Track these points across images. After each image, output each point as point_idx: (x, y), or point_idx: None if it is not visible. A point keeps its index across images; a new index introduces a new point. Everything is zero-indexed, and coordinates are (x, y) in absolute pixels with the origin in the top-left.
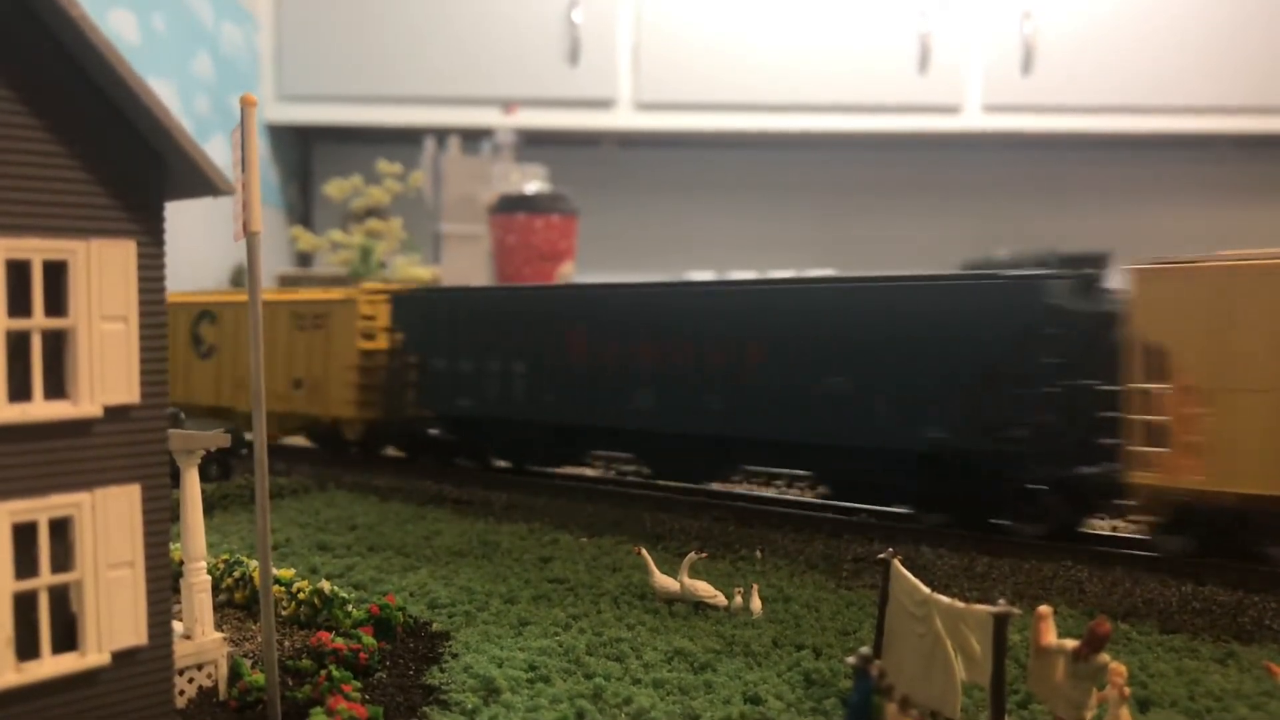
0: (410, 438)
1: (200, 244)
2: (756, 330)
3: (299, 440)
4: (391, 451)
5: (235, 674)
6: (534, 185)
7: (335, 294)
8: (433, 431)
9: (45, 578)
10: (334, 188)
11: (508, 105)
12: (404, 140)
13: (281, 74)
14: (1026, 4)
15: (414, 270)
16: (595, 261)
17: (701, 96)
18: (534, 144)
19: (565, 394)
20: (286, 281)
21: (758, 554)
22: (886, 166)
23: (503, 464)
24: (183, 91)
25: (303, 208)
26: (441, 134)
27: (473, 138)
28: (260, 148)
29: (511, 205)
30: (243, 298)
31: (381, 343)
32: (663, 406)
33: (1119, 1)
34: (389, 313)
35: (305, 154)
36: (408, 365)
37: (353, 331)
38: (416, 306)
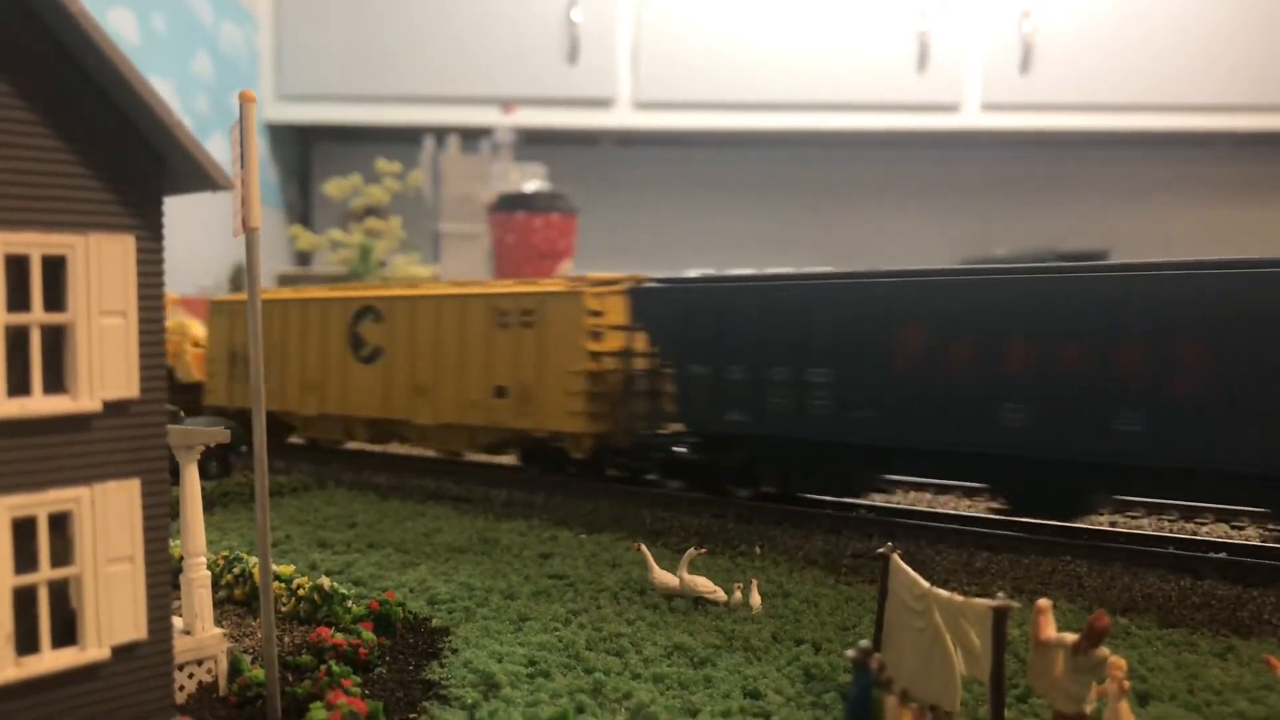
0: (648, 457)
1: (200, 243)
2: (1202, 327)
3: (509, 458)
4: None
5: (235, 669)
6: (533, 184)
7: (552, 286)
8: (679, 450)
9: (45, 572)
10: (333, 187)
11: (507, 104)
12: (403, 139)
13: (281, 73)
14: (1025, 3)
15: (413, 269)
16: (595, 260)
17: (700, 95)
18: (533, 143)
19: (889, 408)
20: (286, 281)
21: (757, 550)
22: (886, 165)
23: (753, 491)
24: (182, 91)
25: (302, 207)
26: (441, 133)
27: (472, 137)
28: (259, 147)
29: (511, 204)
30: (417, 291)
31: (614, 343)
32: (1042, 425)
33: (1118, 0)
34: (626, 308)
35: (304, 153)
36: (653, 371)
37: (577, 330)
38: (668, 301)
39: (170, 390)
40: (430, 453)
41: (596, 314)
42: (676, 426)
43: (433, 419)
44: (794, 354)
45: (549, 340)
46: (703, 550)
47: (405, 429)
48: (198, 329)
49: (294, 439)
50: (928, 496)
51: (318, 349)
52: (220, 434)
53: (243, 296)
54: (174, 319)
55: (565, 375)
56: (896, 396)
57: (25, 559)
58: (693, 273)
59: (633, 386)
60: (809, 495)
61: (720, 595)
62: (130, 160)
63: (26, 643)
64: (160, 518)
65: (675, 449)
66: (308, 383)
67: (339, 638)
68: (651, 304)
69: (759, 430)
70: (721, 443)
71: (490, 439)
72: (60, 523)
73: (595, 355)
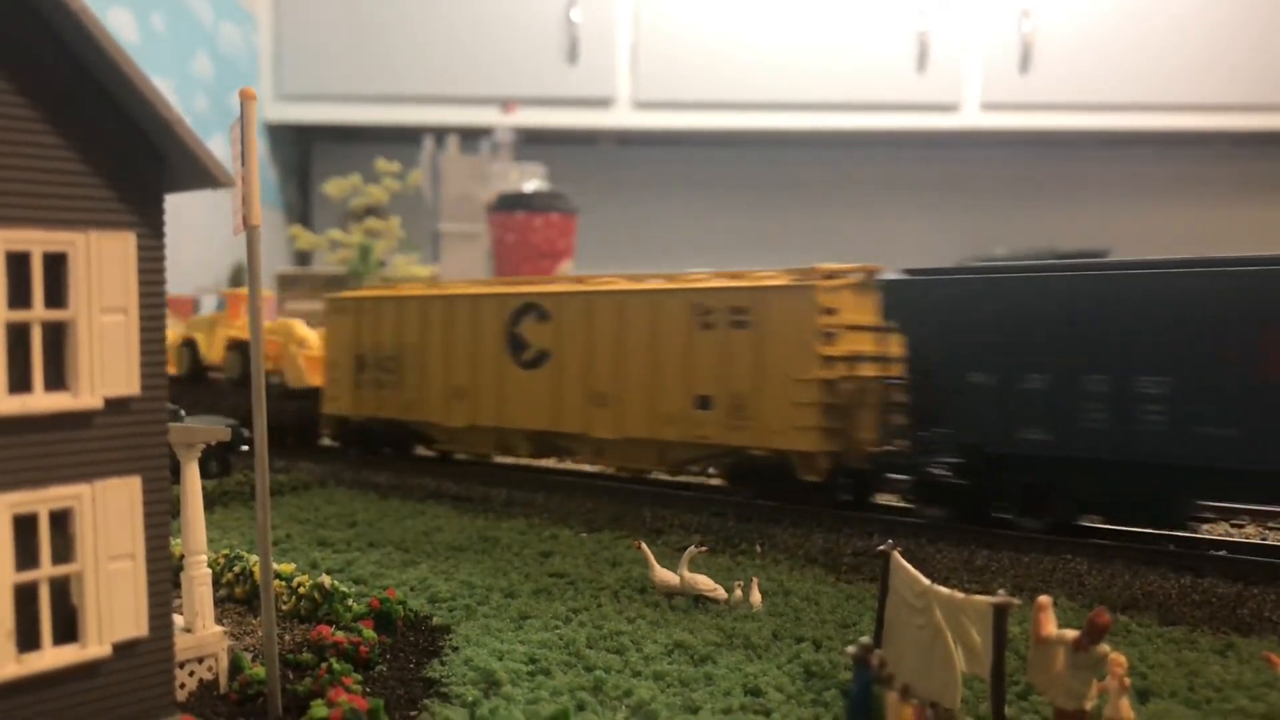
0: (896, 479)
1: (199, 243)
2: None
3: (699, 476)
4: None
5: (236, 667)
6: (533, 184)
7: (772, 279)
8: (937, 471)
9: (46, 569)
10: (333, 187)
11: (506, 104)
12: (403, 139)
13: (280, 73)
14: (1025, 2)
15: (413, 269)
16: (594, 259)
17: (700, 95)
18: (533, 142)
19: (1252, 423)
20: (285, 281)
21: (757, 548)
22: (885, 164)
23: (1046, 523)
24: (182, 90)
25: (301, 207)
26: (440, 133)
27: (471, 136)
28: (259, 147)
29: (510, 204)
30: (593, 287)
31: (858, 345)
32: None
33: (1117, 0)
34: (877, 304)
35: (304, 153)
36: (910, 379)
37: (807, 331)
38: (935, 295)
39: (281, 398)
40: (608, 469)
41: (830, 311)
42: (939, 446)
43: (614, 432)
44: (1117, 359)
45: (770, 343)
46: (703, 548)
47: (577, 444)
48: (301, 329)
49: (423, 450)
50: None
51: (467, 352)
52: (221, 432)
53: (375, 291)
54: (278, 319)
55: (792, 384)
56: (1262, 409)
57: (26, 556)
58: (963, 261)
59: (878, 398)
60: (1118, 527)
61: (721, 593)
62: (131, 158)
63: (28, 640)
64: (161, 515)
65: (932, 470)
66: (454, 391)
67: (340, 636)
68: (911, 299)
69: (1063, 450)
70: (1000, 464)
71: (688, 456)
72: (61, 520)
73: (829, 360)
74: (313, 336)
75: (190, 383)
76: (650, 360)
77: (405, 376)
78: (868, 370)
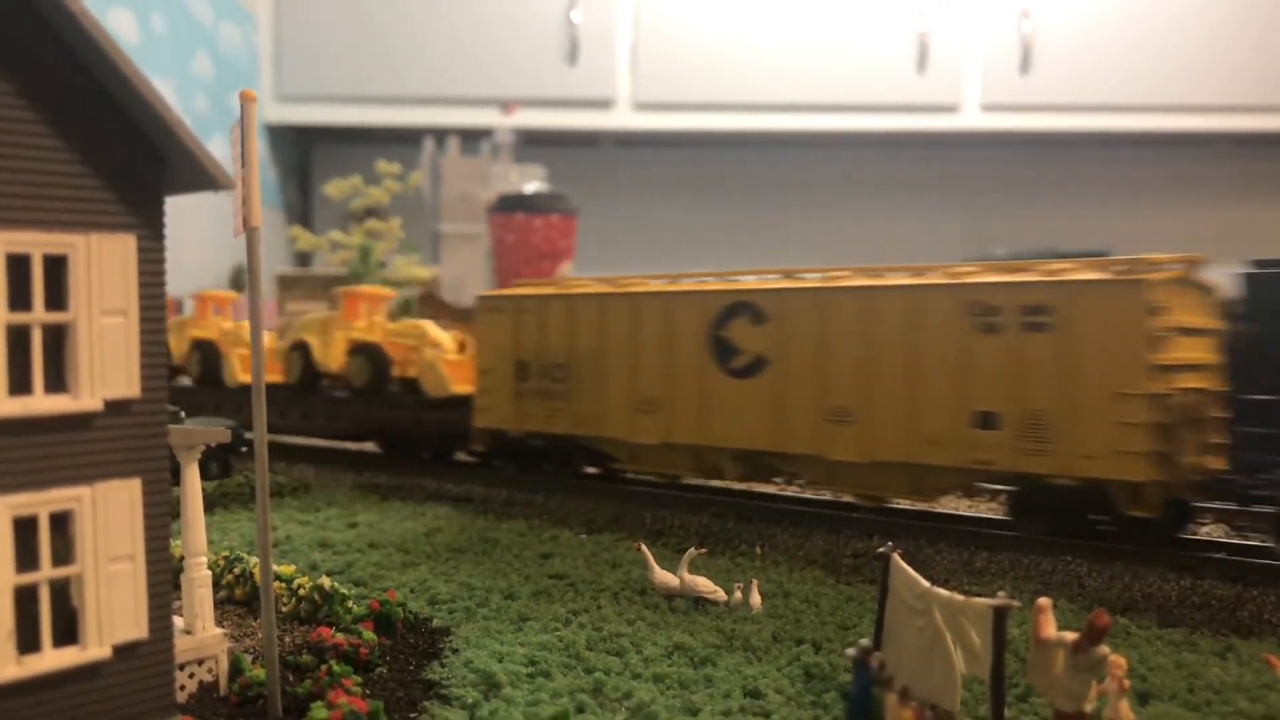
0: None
1: (200, 245)
2: None
3: (957, 503)
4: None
5: (236, 669)
6: (533, 185)
7: (1078, 271)
8: None
9: (46, 571)
10: (333, 188)
11: (507, 105)
12: (403, 140)
13: (280, 74)
14: (1025, 3)
15: (413, 270)
16: (595, 261)
17: (700, 96)
18: (533, 144)
19: None
20: (286, 282)
21: (757, 550)
22: (885, 165)
23: None
24: (182, 91)
25: (302, 208)
26: (440, 134)
27: (472, 138)
28: (259, 148)
29: (510, 205)
30: (825, 283)
31: (1188, 351)
32: None
33: (1117, 1)
34: (1219, 302)
35: (304, 154)
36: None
37: (1134, 334)
38: None
39: (420, 408)
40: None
41: (1160, 310)
42: None
43: (859, 455)
44: None
45: (1082, 349)
46: (703, 550)
47: (805, 467)
48: (435, 330)
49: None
50: None
51: (658, 359)
52: (221, 434)
53: (540, 288)
54: (408, 320)
55: (1114, 400)
56: None
57: (27, 557)
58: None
59: (1210, 413)
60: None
61: (720, 595)
62: (131, 160)
63: (28, 641)
64: (161, 517)
65: None
66: (642, 404)
67: (340, 637)
68: None
69: None
70: None
71: (956, 483)
72: (61, 521)
73: (1160, 370)
74: (446, 339)
75: (300, 391)
76: (908, 369)
77: (579, 386)
78: (1196, 380)
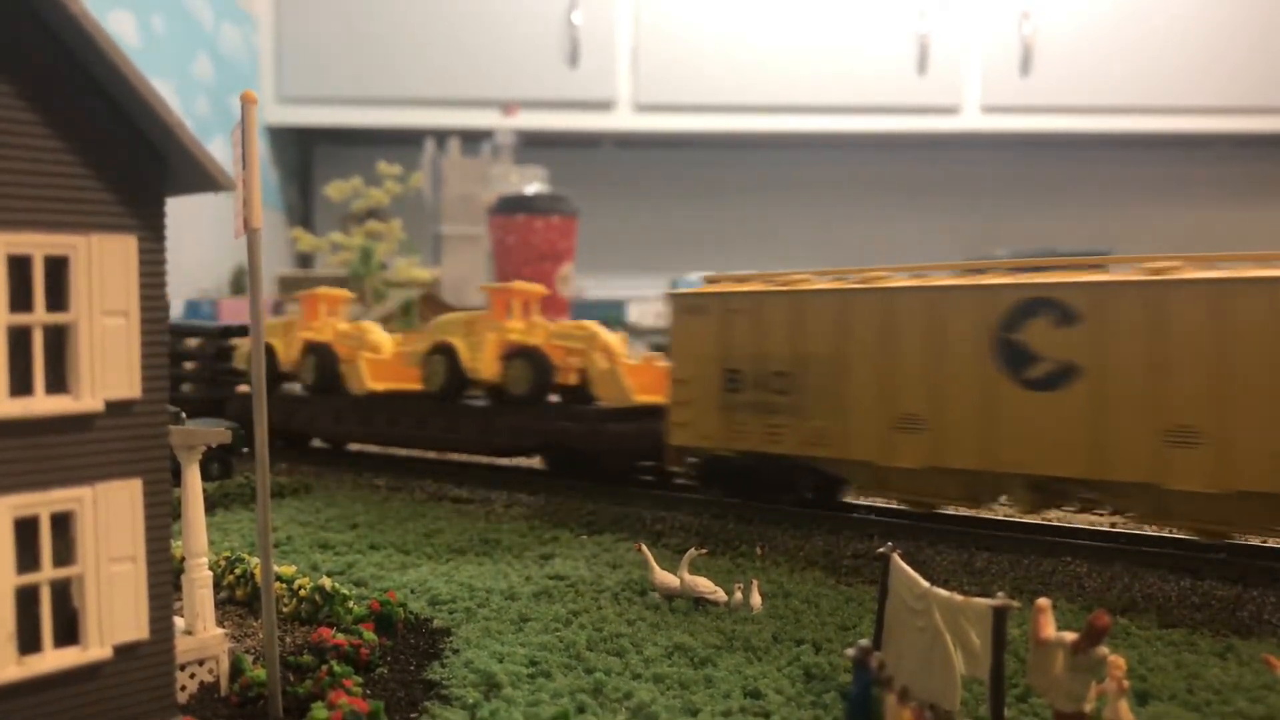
0: None
1: (201, 246)
2: None
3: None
4: None
5: (237, 670)
6: (533, 186)
7: None
8: None
9: (47, 572)
10: (334, 189)
11: (507, 107)
12: (404, 142)
13: (281, 76)
14: (1025, 5)
15: (414, 271)
16: (595, 262)
17: (700, 98)
18: (533, 145)
19: None
20: (287, 283)
21: (758, 550)
22: (885, 167)
23: None
24: (182, 93)
25: (303, 209)
26: (441, 136)
27: (472, 139)
28: (260, 149)
29: (511, 206)
30: (1156, 275)
31: None
32: None
33: (1117, 2)
34: None
35: (305, 156)
36: None
37: None
38: None
39: (598, 419)
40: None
41: None
42: None
43: (1210, 484)
44: None
45: None
46: (703, 551)
47: (1131, 497)
48: (604, 332)
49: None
50: None
51: (922, 367)
52: (222, 434)
53: (752, 285)
54: (571, 321)
55: None
56: None
57: (27, 558)
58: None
59: None
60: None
61: (721, 595)
62: (132, 161)
63: (29, 642)
64: (162, 517)
65: None
66: (901, 420)
67: (340, 638)
68: None
69: None
70: None
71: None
72: (62, 522)
73: None
74: (616, 342)
75: (440, 400)
76: (1155, 377)
77: (810, 399)
78: None
